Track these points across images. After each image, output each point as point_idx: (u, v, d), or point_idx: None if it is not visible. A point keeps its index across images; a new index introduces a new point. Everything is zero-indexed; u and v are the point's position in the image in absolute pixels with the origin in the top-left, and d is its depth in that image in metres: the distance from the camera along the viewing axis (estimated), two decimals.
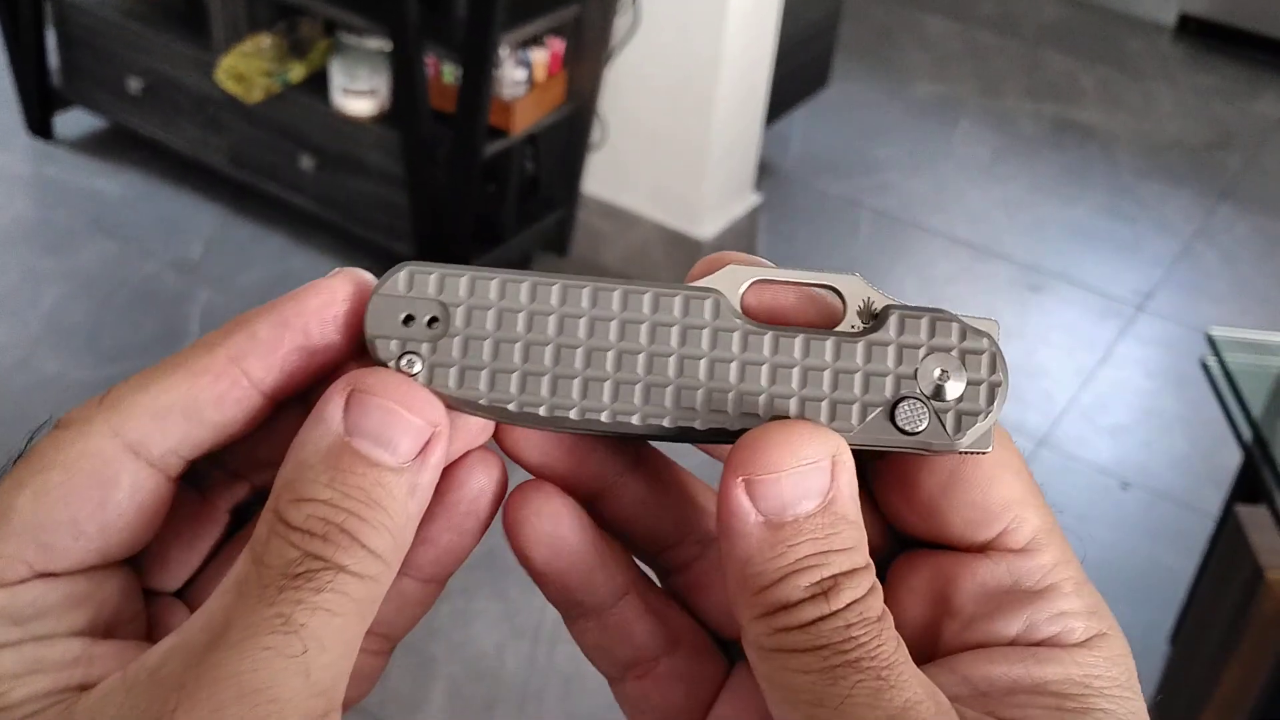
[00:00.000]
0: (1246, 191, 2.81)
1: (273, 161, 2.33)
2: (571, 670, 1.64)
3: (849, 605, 0.24)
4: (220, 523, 0.29)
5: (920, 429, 0.26)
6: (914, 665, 0.24)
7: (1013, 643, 0.26)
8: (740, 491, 0.24)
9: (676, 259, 2.30)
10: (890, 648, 0.24)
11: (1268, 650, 1.20)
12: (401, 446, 0.25)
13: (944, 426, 0.26)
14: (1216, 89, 3.22)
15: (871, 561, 0.25)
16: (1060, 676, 0.25)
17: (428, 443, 0.25)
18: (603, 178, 2.32)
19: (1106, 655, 0.26)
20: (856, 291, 0.27)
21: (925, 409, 0.26)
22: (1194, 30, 3.43)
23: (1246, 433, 1.20)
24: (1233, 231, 2.68)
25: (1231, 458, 1.56)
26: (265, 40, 2.26)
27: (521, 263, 2.36)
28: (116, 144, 2.60)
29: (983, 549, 0.27)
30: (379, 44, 2.14)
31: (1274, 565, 1.17)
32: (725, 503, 0.25)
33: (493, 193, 2.24)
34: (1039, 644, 0.26)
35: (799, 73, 2.57)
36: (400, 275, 0.27)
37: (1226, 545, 1.26)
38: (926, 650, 0.27)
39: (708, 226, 2.27)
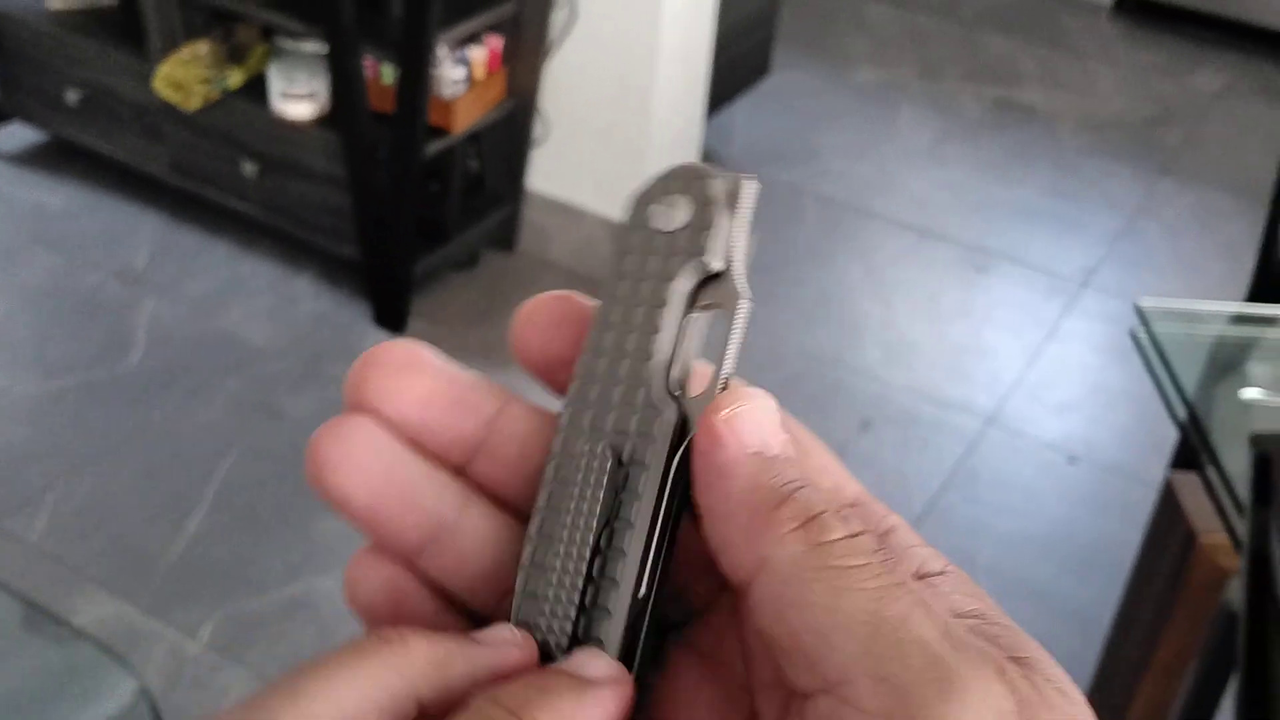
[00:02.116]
0: (1187, 166, 2.85)
1: (214, 168, 2.31)
2: None
3: (867, 530, 0.24)
4: None
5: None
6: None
7: None
8: (725, 426, 0.25)
9: None
10: (914, 574, 0.25)
11: (1203, 614, 1.23)
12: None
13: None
14: (1155, 65, 3.26)
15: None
16: (963, 592, 0.26)
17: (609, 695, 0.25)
18: (547, 173, 2.32)
19: (964, 580, 0.26)
20: None
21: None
22: (1131, 8, 3.47)
23: (1176, 402, 1.22)
24: (1174, 205, 2.71)
25: (1173, 429, 1.59)
26: (202, 47, 2.24)
27: (469, 261, 2.36)
28: (56, 156, 2.58)
29: None
30: (316, 47, 2.14)
31: (1206, 530, 1.19)
32: (714, 439, 0.25)
33: (436, 192, 2.24)
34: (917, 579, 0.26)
35: (739, 62, 2.59)
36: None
37: (1161, 513, 1.28)
38: None
39: None
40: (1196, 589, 1.22)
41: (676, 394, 0.27)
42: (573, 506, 0.27)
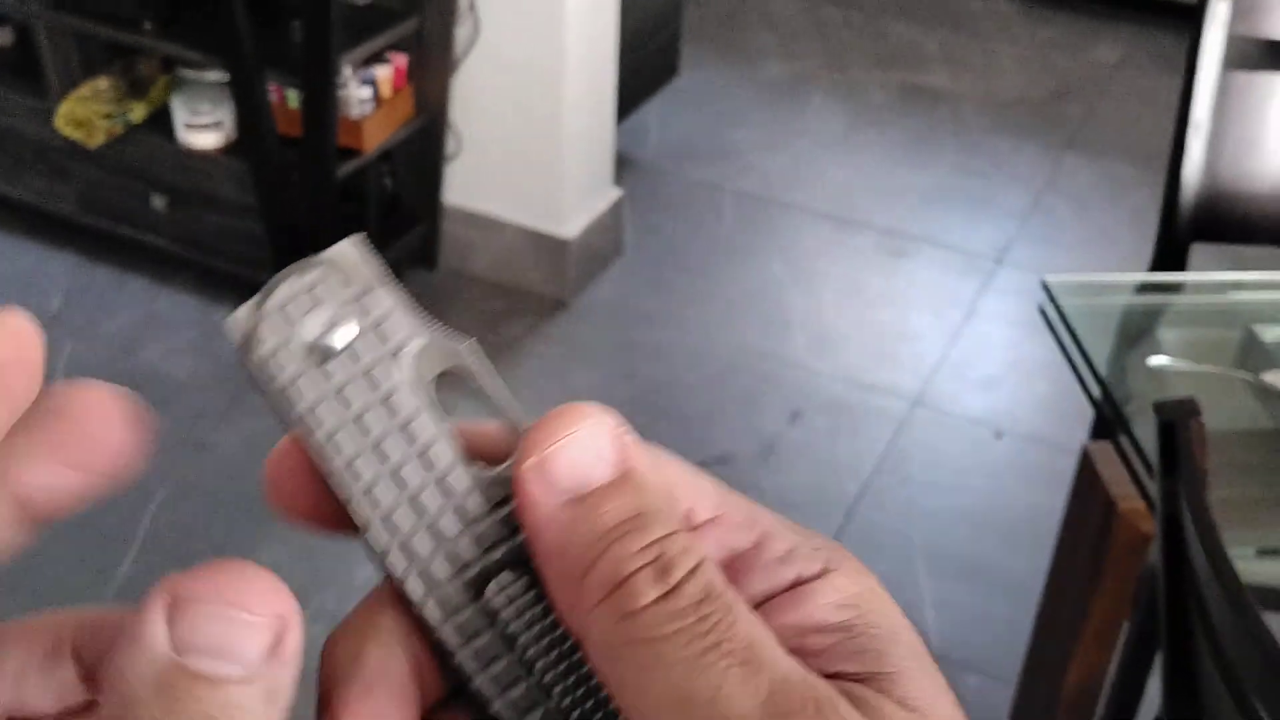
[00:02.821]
0: (1090, 139, 2.91)
1: (124, 204, 2.28)
2: None
3: (690, 576, 0.22)
4: None
5: None
6: (774, 637, 0.23)
7: (766, 600, 0.25)
8: (534, 476, 0.23)
9: (544, 261, 2.31)
10: (747, 622, 0.22)
11: (1128, 579, 1.26)
12: (246, 656, 0.21)
13: None
14: (1054, 42, 3.33)
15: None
16: (830, 607, 0.24)
17: (278, 641, 0.21)
18: (463, 187, 2.32)
19: (847, 569, 0.25)
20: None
21: None
22: None
23: (1087, 374, 1.25)
24: (1080, 179, 2.77)
25: None
26: (102, 83, 2.21)
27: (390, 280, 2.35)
28: None
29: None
30: (218, 75, 2.11)
31: (1124, 496, 1.22)
32: (523, 494, 0.23)
33: (352, 213, 2.22)
34: (790, 589, 0.25)
35: (647, 64, 2.60)
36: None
37: (1081, 482, 1.32)
38: None
39: (571, 225, 2.29)
40: (1120, 554, 1.25)
41: (490, 474, 0.24)
42: (503, 661, 0.24)
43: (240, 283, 2.27)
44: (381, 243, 2.27)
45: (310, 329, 0.24)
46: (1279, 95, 1.53)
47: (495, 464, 0.24)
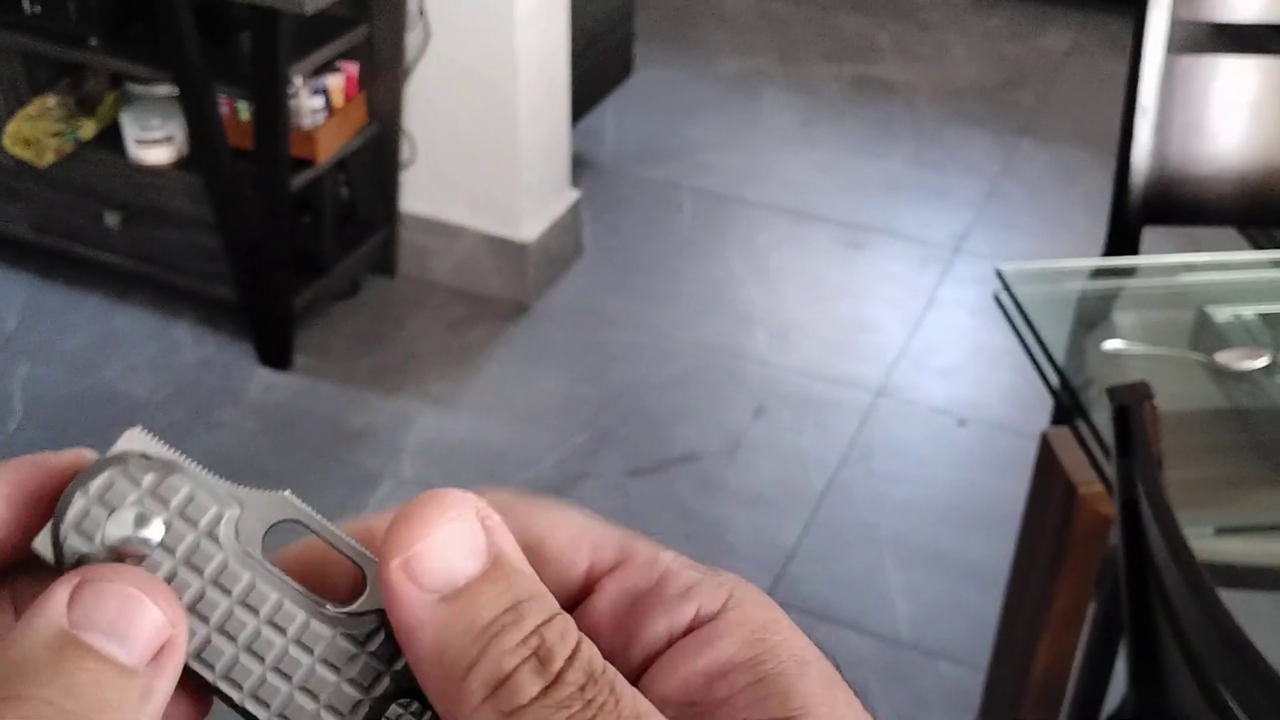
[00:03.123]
0: (1043, 125, 2.94)
1: (77, 223, 2.25)
2: None
3: (571, 662, 0.22)
4: None
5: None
6: (655, 709, 0.23)
7: (669, 642, 0.25)
8: (402, 577, 0.22)
9: (503, 265, 2.31)
10: (630, 698, 0.22)
11: (1091, 562, 1.27)
12: (136, 644, 0.22)
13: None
14: (1004, 30, 3.36)
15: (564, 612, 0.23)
16: (735, 644, 0.24)
17: (163, 647, 0.22)
18: (420, 194, 2.31)
19: (751, 602, 0.25)
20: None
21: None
22: None
23: (1043, 360, 1.26)
24: (1034, 165, 2.80)
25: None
26: (50, 101, 2.19)
27: (349, 290, 2.34)
28: None
29: (587, 588, 0.26)
30: (168, 90, 2.09)
31: (1084, 481, 1.23)
32: (393, 597, 0.22)
33: (309, 224, 2.21)
34: (690, 629, 0.25)
35: (601, 64, 2.60)
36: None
37: (1041, 468, 1.33)
38: None
39: (530, 228, 2.28)
40: (1083, 538, 1.26)
41: (348, 610, 0.24)
42: None
43: (198, 297, 2.25)
44: (339, 252, 2.25)
45: (115, 534, 0.23)
46: (1223, 78, 1.55)
47: (354, 596, 0.24)
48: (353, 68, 2.13)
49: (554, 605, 0.23)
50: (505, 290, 2.33)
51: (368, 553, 0.24)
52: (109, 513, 0.24)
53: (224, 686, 0.23)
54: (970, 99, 3.03)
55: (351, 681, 0.24)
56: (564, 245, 2.39)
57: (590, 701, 0.22)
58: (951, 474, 2.01)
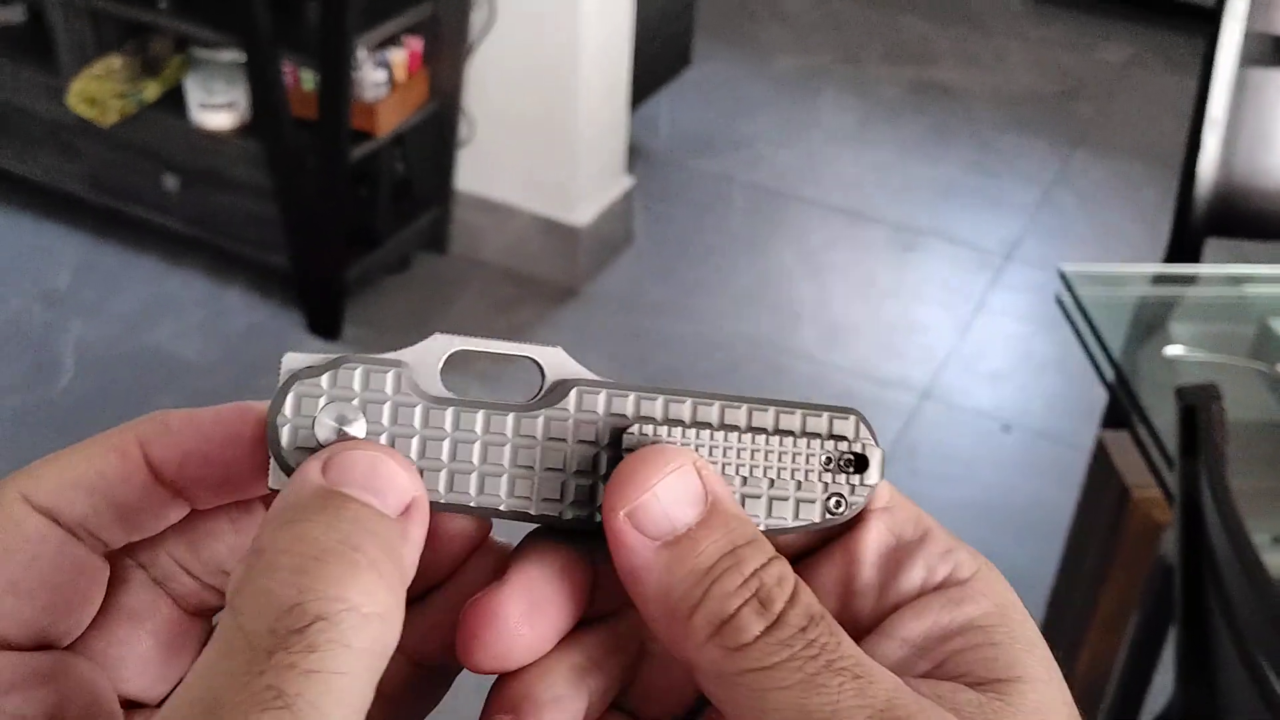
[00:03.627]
0: (1099, 136, 2.92)
1: (135, 183, 2.28)
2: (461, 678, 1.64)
3: (791, 604, 0.23)
4: (202, 636, 0.28)
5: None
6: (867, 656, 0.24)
7: (919, 594, 0.26)
8: (628, 526, 0.24)
9: (554, 248, 2.32)
10: (849, 642, 0.23)
11: (1140, 567, 1.26)
12: (389, 497, 0.24)
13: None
14: (1063, 40, 3.33)
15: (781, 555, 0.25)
16: (979, 610, 0.26)
17: (410, 505, 0.24)
18: (475, 172, 2.32)
19: (996, 580, 0.27)
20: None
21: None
22: None
23: (1103, 362, 1.26)
24: (1089, 175, 2.78)
25: (1102, 393, 1.63)
26: (116, 61, 2.21)
27: (401, 265, 2.35)
28: None
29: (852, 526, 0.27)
30: (233, 56, 2.11)
31: (1139, 485, 1.22)
32: (619, 545, 0.24)
33: (365, 196, 2.22)
34: (941, 586, 0.26)
35: (661, 54, 2.60)
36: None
37: (1095, 471, 1.32)
38: (853, 634, 0.26)
39: (583, 213, 2.29)
40: (1132, 543, 1.26)
41: (539, 396, 0.27)
42: None
43: (251, 264, 2.27)
44: (393, 226, 2.27)
45: (326, 436, 0.26)
46: None
47: (536, 392, 0.27)
48: (417, 43, 2.14)
49: (770, 550, 0.24)
50: (554, 273, 2.33)
51: (534, 347, 0.27)
52: (311, 422, 0.25)
53: (480, 503, 0.26)
54: (1027, 107, 3.01)
55: (580, 442, 0.26)
56: (615, 231, 2.39)
57: (812, 642, 0.23)
58: (994, 478, 2.00)
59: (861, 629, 0.26)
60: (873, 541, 0.27)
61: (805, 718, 0.22)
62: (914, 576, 0.26)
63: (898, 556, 0.27)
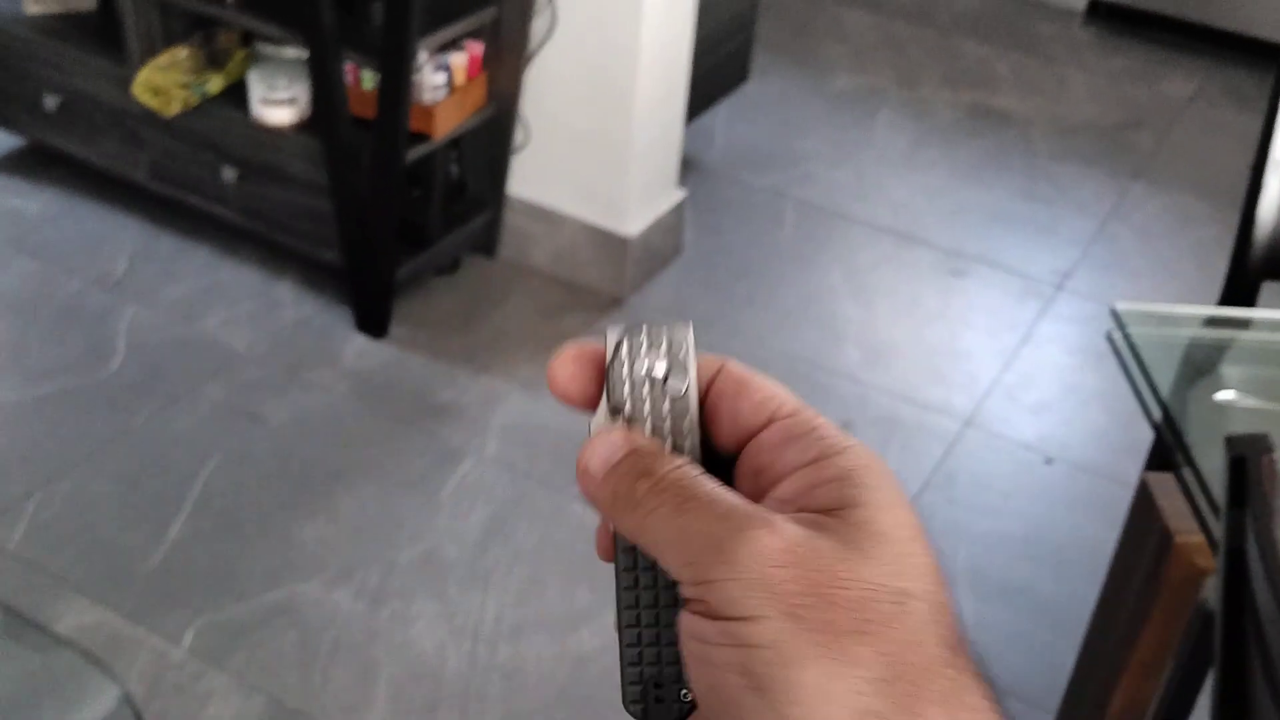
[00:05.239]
0: (1158, 170, 2.89)
1: (194, 174, 2.31)
2: (513, 668, 1.65)
3: (667, 472, 0.34)
4: None
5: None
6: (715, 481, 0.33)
7: (804, 466, 0.34)
8: (584, 469, 0.36)
9: (603, 257, 2.32)
10: (692, 473, 0.33)
11: (1179, 612, 1.25)
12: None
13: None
14: (1126, 71, 3.30)
15: (683, 459, 0.35)
16: (843, 466, 0.33)
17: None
18: (528, 178, 2.33)
19: (863, 450, 0.34)
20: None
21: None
22: (1103, 14, 3.51)
23: (1151, 403, 1.24)
24: (1146, 209, 2.75)
25: (1148, 430, 1.61)
26: (181, 53, 2.24)
27: (450, 267, 2.37)
28: (34, 162, 2.57)
29: (766, 425, 0.36)
30: (297, 53, 2.14)
31: (1182, 530, 1.21)
32: (581, 483, 0.36)
33: (418, 197, 2.24)
34: (814, 461, 0.34)
35: (719, 68, 2.60)
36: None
37: (1137, 512, 1.30)
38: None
39: (634, 223, 2.30)
40: (1173, 588, 1.24)
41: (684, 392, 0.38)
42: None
43: (302, 258, 2.30)
44: (444, 228, 2.29)
45: (641, 375, 0.37)
46: None
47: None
48: (477, 48, 2.16)
49: (669, 458, 0.35)
50: (602, 282, 2.34)
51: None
52: (629, 367, 0.37)
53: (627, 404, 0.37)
54: (1086, 137, 2.99)
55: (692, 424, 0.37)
56: (665, 243, 2.40)
57: (666, 488, 0.33)
58: (1034, 510, 1.99)
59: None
60: (765, 438, 0.35)
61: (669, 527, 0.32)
62: (801, 455, 0.34)
63: (784, 444, 0.34)
